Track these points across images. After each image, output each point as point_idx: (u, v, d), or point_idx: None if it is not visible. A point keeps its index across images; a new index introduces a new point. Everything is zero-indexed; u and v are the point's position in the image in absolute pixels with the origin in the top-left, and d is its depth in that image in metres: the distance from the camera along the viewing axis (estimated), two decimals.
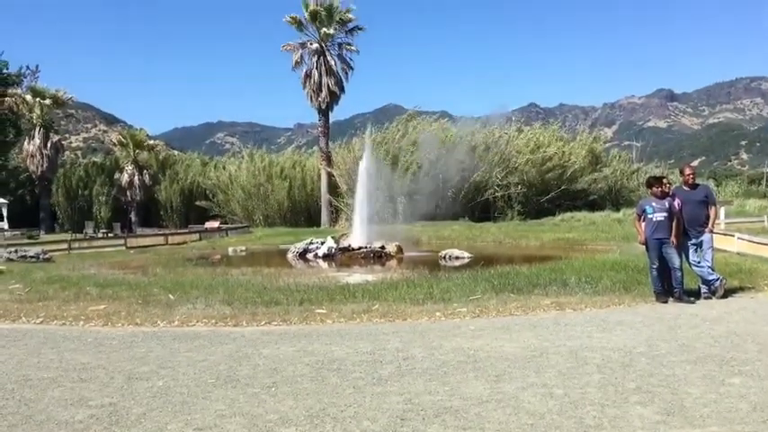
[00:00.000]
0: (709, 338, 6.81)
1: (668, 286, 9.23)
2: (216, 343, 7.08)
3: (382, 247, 20.95)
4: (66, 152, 62.45)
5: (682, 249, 9.33)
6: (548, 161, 38.59)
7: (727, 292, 9.59)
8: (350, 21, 41.21)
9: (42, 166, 45.10)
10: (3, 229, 37.99)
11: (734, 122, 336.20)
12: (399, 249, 21.11)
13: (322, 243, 21.65)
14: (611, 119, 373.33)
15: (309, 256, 21.17)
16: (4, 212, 40.78)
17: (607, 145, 52.29)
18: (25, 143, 46.31)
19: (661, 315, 8.21)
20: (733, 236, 15.65)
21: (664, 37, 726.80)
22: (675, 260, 9.04)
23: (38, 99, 45.93)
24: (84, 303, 10.03)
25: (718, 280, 9.39)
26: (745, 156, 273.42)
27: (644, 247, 9.54)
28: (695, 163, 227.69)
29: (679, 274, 9.07)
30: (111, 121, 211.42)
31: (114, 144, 54.24)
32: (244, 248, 25.32)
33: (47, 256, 19.65)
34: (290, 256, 21.50)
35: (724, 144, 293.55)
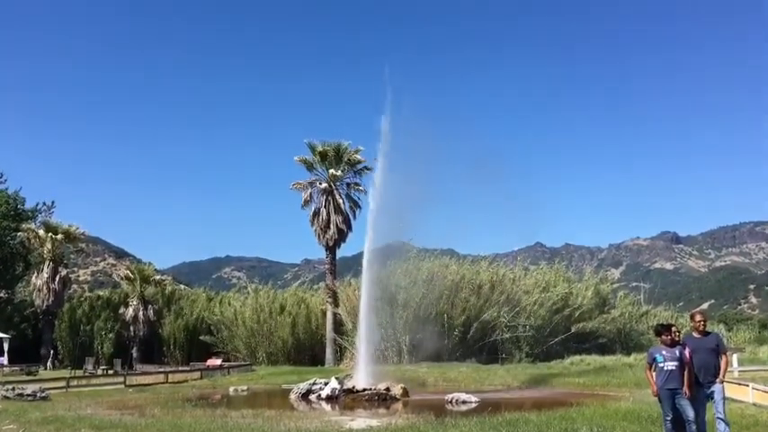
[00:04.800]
0: None
1: None
2: None
3: (387, 389, 20.50)
4: (74, 285, 62.80)
5: (696, 400, 9.05)
6: (556, 303, 38.37)
7: None
8: (358, 162, 42.44)
9: (48, 300, 45.08)
10: (2, 364, 37.44)
11: (741, 266, 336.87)
12: (405, 392, 20.65)
13: (325, 384, 21.19)
14: (618, 260, 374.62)
15: (312, 397, 20.68)
16: (5, 347, 40.34)
17: (615, 286, 52.04)
18: (33, 277, 46.54)
19: None
20: (747, 385, 15.20)
21: (667, 181, 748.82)
22: (689, 412, 8.74)
23: (50, 234, 46.66)
24: None
25: None
26: (754, 300, 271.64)
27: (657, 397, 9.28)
28: (705, 306, 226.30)
29: (694, 427, 8.73)
30: (120, 254, 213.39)
31: (122, 278, 54.52)
32: (245, 388, 24.79)
33: (44, 394, 19.25)
34: (292, 397, 21.00)
35: (732, 288, 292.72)
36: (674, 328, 9.46)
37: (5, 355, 39.88)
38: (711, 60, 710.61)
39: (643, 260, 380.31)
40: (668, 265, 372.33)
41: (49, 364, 42.72)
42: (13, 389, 19.12)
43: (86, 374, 31.27)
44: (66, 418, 13.36)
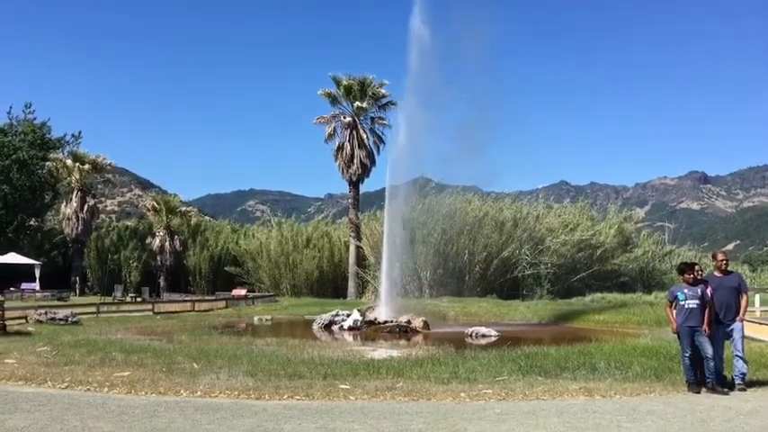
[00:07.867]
0: None
1: (701, 376, 8.98)
2: (238, 416, 7.01)
3: (408, 322, 20.81)
4: (101, 215, 63.74)
5: (715, 338, 9.09)
6: (579, 242, 38.23)
7: (764, 385, 9.29)
8: (383, 96, 41.95)
9: (77, 229, 45.91)
10: (34, 290, 38.53)
11: None
12: (425, 325, 20.94)
13: (348, 315, 21.59)
14: (644, 199, 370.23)
15: (335, 328, 21.10)
16: (37, 274, 41.42)
17: (639, 225, 51.61)
18: (62, 206, 47.32)
19: (693, 406, 7.95)
20: None
21: (696, 119, 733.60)
22: (708, 349, 8.80)
23: (77, 164, 47.14)
24: (109, 369, 10.06)
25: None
26: None
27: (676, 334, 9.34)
28: (730, 246, 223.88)
29: (712, 363, 8.80)
30: (146, 185, 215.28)
31: (148, 209, 55.23)
32: (269, 318, 25.31)
33: (75, 318, 19.86)
34: (315, 327, 21.44)
35: (759, 228, 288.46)
36: (697, 267, 9.44)
37: (37, 280, 40.98)
38: None
39: (669, 200, 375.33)
40: (695, 205, 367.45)
41: (76, 288, 43.94)
42: (46, 313, 19.72)
43: (115, 301, 32.07)
44: (97, 342, 13.80)
